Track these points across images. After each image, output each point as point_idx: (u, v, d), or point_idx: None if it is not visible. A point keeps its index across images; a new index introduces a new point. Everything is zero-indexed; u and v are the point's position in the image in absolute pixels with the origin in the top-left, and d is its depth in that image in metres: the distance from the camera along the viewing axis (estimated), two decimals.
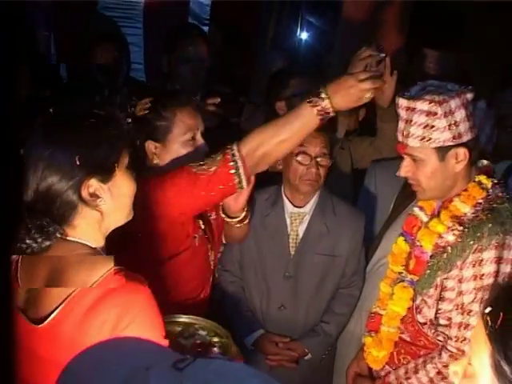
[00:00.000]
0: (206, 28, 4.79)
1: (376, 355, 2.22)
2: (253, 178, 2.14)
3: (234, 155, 2.04)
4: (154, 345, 1.15)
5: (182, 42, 3.24)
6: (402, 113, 1.98)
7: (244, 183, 2.07)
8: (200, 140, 2.31)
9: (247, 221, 2.39)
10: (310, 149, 2.56)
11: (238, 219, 2.34)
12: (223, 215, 2.34)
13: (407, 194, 2.51)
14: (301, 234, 2.68)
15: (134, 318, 1.44)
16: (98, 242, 1.60)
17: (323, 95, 2.01)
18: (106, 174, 1.56)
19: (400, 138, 2.01)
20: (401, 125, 1.99)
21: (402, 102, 1.97)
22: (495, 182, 2.04)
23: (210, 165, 2.05)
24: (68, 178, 1.51)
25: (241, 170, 2.04)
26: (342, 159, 3.17)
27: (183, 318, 1.85)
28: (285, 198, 2.69)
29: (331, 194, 2.74)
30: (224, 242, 2.58)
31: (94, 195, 1.54)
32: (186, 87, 3.16)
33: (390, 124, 2.76)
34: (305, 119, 2.04)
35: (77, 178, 1.51)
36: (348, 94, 2.01)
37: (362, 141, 3.21)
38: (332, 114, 2.04)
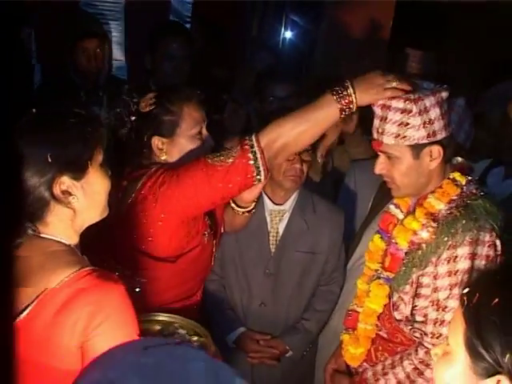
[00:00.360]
0: (188, 26, 4.80)
1: (353, 352, 2.24)
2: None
3: (252, 146, 2.00)
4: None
5: (165, 39, 3.24)
6: (378, 110, 1.99)
7: (262, 175, 2.02)
8: (206, 134, 2.29)
9: (254, 210, 2.38)
10: None
11: (247, 209, 2.33)
12: (232, 204, 2.31)
13: (385, 192, 2.52)
14: (281, 232, 2.69)
15: (107, 317, 1.46)
16: (72, 239, 1.61)
17: (350, 90, 1.98)
18: (78, 172, 1.57)
19: (375, 136, 2.02)
20: (376, 122, 2.01)
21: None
22: (469, 178, 2.06)
23: (228, 156, 2.01)
24: (40, 175, 1.52)
25: (259, 162, 2.00)
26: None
27: (162, 317, 1.86)
28: (264, 195, 2.69)
29: (311, 192, 2.75)
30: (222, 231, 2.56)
31: (66, 192, 1.56)
32: (169, 84, 3.16)
33: (357, 149, 2.94)
34: (327, 112, 2.00)
35: (49, 175, 1.53)
36: (373, 90, 1.97)
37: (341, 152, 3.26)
38: (353, 110, 2.01)
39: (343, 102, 1.98)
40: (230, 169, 1.99)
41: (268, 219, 2.69)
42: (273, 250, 2.69)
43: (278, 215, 2.69)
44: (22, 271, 1.49)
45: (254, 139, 2.00)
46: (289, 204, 2.69)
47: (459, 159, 2.12)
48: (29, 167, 1.51)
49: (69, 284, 1.46)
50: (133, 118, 2.21)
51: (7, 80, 1.40)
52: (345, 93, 1.98)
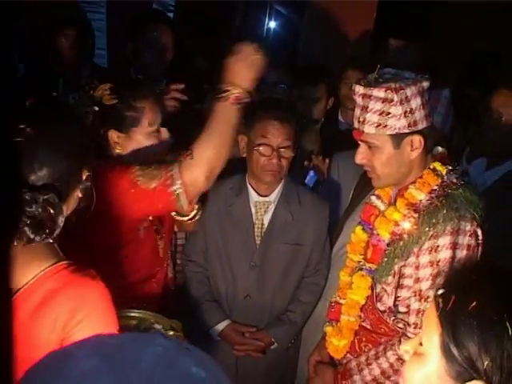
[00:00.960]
0: (170, 14, 4.75)
1: (337, 344, 2.23)
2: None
3: (174, 181, 1.97)
4: None
5: (146, 28, 3.20)
6: (359, 100, 1.98)
7: (186, 206, 2.02)
8: (165, 132, 2.27)
9: (198, 217, 2.35)
10: (272, 140, 2.54)
11: (188, 217, 2.32)
12: (173, 213, 2.30)
13: (366, 182, 2.51)
14: (266, 223, 2.68)
15: (89, 314, 1.42)
16: None
17: (227, 87, 1.99)
18: None
19: (356, 125, 2.02)
20: (357, 111, 2.00)
21: (359, 89, 1.97)
22: (450, 168, 2.05)
23: (152, 178, 1.98)
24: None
25: (182, 197, 1.99)
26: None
27: (136, 313, 1.84)
28: (249, 186, 2.68)
29: (296, 183, 2.75)
30: (176, 230, 2.55)
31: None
32: (150, 74, 3.13)
33: None
34: (228, 116, 2.00)
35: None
36: (249, 67, 2.00)
37: None
38: (247, 96, 2.01)
39: (231, 100, 1.99)
40: (152, 194, 1.98)
41: (253, 210, 2.68)
42: (258, 242, 2.68)
43: (263, 207, 2.68)
44: None
45: (177, 173, 1.97)
46: (274, 196, 2.68)
47: (440, 149, 2.11)
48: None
49: (45, 279, 1.41)
50: (96, 108, 2.18)
51: None
52: (225, 93, 1.99)
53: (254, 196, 2.68)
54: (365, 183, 2.43)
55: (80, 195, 1.55)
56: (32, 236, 1.38)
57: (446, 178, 2.02)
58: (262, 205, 2.68)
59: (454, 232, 1.93)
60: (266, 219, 2.68)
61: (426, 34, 4.90)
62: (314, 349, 2.46)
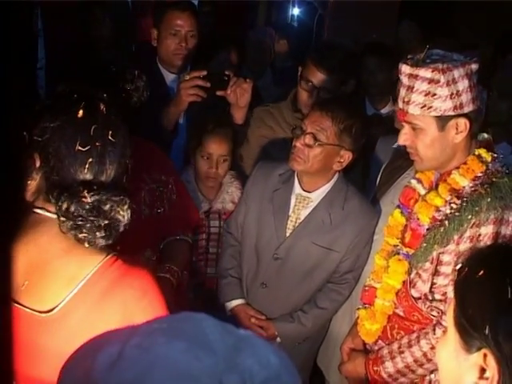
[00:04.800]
0: (195, 2, 4.71)
1: (369, 328, 2.20)
2: None
3: None
4: None
5: (171, 15, 3.16)
6: (405, 79, 1.93)
7: None
8: None
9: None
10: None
11: None
12: None
13: (396, 166, 2.49)
14: (302, 219, 2.61)
15: (150, 301, 1.45)
16: None
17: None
18: None
19: (400, 105, 1.97)
20: (402, 91, 1.95)
21: (405, 69, 1.92)
22: (495, 156, 2.00)
23: None
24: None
25: None
26: None
27: None
28: (296, 178, 2.62)
29: (348, 185, 2.62)
30: None
31: None
32: (175, 61, 3.10)
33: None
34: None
35: None
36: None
37: None
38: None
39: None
40: None
41: (292, 202, 2.61)
42: (287, 235, 2.61)
43: (303, 202, 2.61)
44: (34, 259, 1.42)
45: None
46: (317, 194, 2.59)
47: (485, 135, 2.05)
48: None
49: (104, 270, 1.42)
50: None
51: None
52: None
53: (297, 188, 2.61)
54: (396, 166, 2.41)
55: None
56: (101, 240, 1.40)
57: (490, 165, 1.97)
58: (303, 199, 2.60)
59: (497, 222, 1.89)
60: (303, 215, 2.60)
61: (451, 17, 4.86)
62: (346, 336, 2.42)
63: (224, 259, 2.78)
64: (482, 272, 1.19)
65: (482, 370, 1.17)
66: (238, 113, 2.91)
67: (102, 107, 1.46)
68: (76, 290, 1.40)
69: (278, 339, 2.68)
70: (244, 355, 0.74)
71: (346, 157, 2.50)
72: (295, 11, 5.59)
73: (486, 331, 1.14)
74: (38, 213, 1.44)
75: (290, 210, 2.62)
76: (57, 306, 1.39)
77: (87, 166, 1.41)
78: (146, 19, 4.41)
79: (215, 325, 0.77)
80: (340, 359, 2.43)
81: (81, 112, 1.42)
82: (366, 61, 3.75)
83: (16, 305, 1.41)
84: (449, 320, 1.26)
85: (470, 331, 1.18)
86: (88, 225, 1.36)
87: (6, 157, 1.47)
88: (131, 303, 1.42)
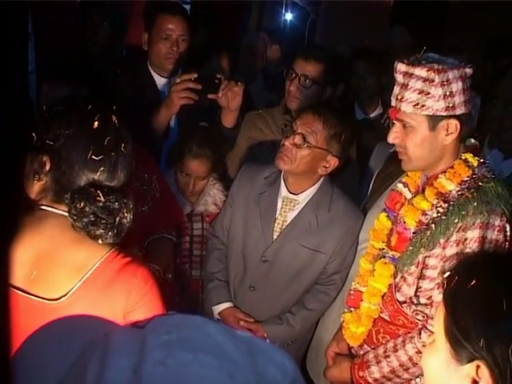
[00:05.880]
0: (187, 7, 4.71)
1: (354, 331, 2.19)
2: None
3: None
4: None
5: (162, 19, 3.16)
6: (399, 77, 1.94)
7: None
8: None
9: None
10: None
11: None
12: None
13: (390, 171, 2.49)
14: (288, 221, 2.61)
15: (150, 289, 1.55)
16: None
17: None
18: None
19: (393, 103, 1.98)
20: (396, 89, 1.96)
21: (401, 67, 1.94)
22: (481, 161, 2.01)
23: None
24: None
25: None
26: None
27: None
28: (282, 180, 2.62)
29: (333, 187, 2.63)
30: None
31: None
32: (166, 65, 3.10)
33: None
34: None
35: None
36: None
37: None
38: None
39: None
40: None
41: (279, 205, 2.61)
42: (274, 237, 2.61)
43: (290, 204, 2.61)
44: (43, 250, 1.49)
45: None
46: (303, 196, 2.59)
47: (472, 141, 2.07)
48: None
49: (110, 260, 1.51)
50: None
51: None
52: None
53: (283, 191, 2.61)
54: (388, 172, 2.41)
55: None
56: (111, 239, 1.50)
57: (477, 170, 1.98)
58: (289, 202, 2.60)
59: (484, 226, 1.90)
60: (290, 217, 2.60)
61: (444, 23, 4.88)
62: (331, 340, 2.42)
63: (210, 263, 2.77)
64: (473, 282, 1.17)
65: (474, 382, 1.16)
66: (229, 116, 2.91)
67: (114, 120, 1.54)
68: (84, 278, 1.48)
69: (267, 341, 2.67)
70: (262, 363, 0.73)
71: (332, 162, 2.51)
72: (287, 16, 5.60)
73: (481, 343, 1.13)
74: (45, 210, 1.52)
75: (277, 213, 2.62)
76: (66, 294, 1.47)
77: (99, 173, 1.49)
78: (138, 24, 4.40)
79: (218, 329, 0.77)
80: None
81: (96, 123, 1.50)
82: (356, 65, 3.78)
83: (24, 294, 1.47)
84: (438, 329, 1.24)
85: (463, 342, 1.16)
86: (103, 221, 1.46)
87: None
88: (135, 291, 1.51)
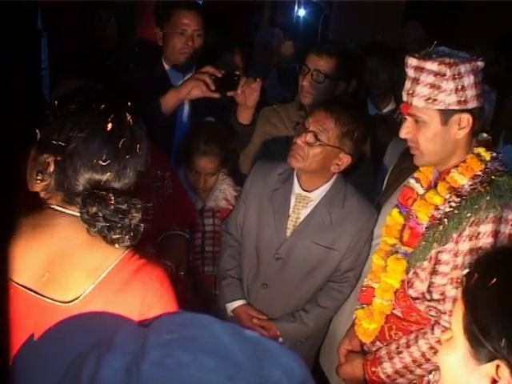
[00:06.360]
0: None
1: (366, 327, 2.18)
2: None
3: None
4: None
5: (177, 14, 3.16)
6: (410, 72, 1.93)
7: None
8: None
9: None
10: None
11: None
12: None
13: (402, 168, 2.47)
14: (302, 218, 2.59)
15: (166, 291, 1.52)
16: None
17: None
18: None
19: (405, 98, 1.96)
20: (407, 84, 1.95)
21: (412, 61, 1.92)
22: (494, 155, 1.99)
23: None
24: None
25: None
26: None
27: None
28: (295, 177, 2.61)
29: (346, 184, 2.61)
30: None
31: None
32: (181, 60, 3.10)
33: None
34: None
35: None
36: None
37: None
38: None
39: None
40: None
41: (292, 202, 2.60)
42: (288, 235, 2.60)
43: (303, 201, 2.59)
44: (55, 252, 1.46)
45: None
46: (316, 194, 2.58)
47: (485, 135, 2.04)
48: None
49: (126, 261, 1.48)
50: None
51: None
52: None
53: (296, 188, 2.60)
54: (402, 168, 2.40)
55: None
56: (128, 242, 1.45)
57: (489, 164, 1.96)
58: (302, 199, 2.59)
59: (497, 220, 1.88)
60: (303, 215, 2.59)
61: (457, 18, 4.84)
62: (343, 337, 2.40)
63: (223, 260, 2.77)
64: (494, 280, 1.15)
65: (494, 381, 1.14)
66: (245, 113, 2.90)
67: (128, 118, 1.47)
68: (98, 280, 1.44)
69: (281, 339, 2.67)
70: (268, 365, 0.72)
71: (345, 160, 2.48)
72: (300, 12, 5.58)
73: (502, 343, 1.12)
74: (56, 209, 1.47)
75: (290, 210, 2.60)
76: (79, 297, 1.43)
77: (107, 175, 1.43)
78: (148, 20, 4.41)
79: (225, 329, 0.75)
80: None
81: (109, 125, 1.43)
82: (368, 61, 3.75)
83: (36, 295, 1.43)
84: (456, 326, 1.23)
85: (483, 341, 1.15)
86: (119, 225, 1.41)
87: (6, 153, 1.48)
88: (151, 292, 1.48)
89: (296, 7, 5.56)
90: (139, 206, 1.45)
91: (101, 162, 1.41)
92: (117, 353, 0.71)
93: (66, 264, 1.44)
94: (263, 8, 5.53)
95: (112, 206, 1.40)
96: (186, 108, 3.11)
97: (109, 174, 1.43)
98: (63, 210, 1.46)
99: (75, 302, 1.43)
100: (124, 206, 1.42)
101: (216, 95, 2.76)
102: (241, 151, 3.12)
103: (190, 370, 0.68)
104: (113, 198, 1.41)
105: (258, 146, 3.09)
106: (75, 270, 1.44)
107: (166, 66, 3.16)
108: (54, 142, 1.42)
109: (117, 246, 1.44)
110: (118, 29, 4.08)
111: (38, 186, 1.47)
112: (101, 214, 1.40)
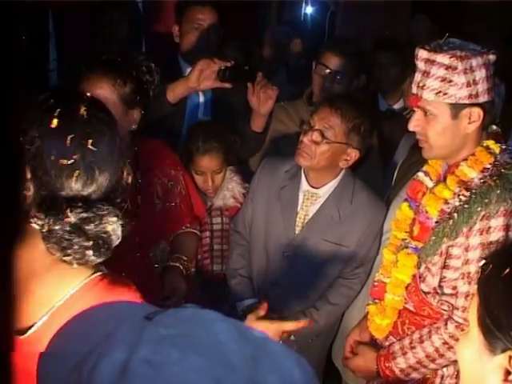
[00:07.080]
0: None
1: (379, 323, 2.17)
2: None
3: None
4: (129, 304, 1.09)
5: (192, 10, 3.17)
6: (421, 64, 1.91)
7: None
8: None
9: None
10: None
11: None
12: None
13: (412, 162, 2.46)
14: (310, 215, 2.58)
15: None
16: None
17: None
18: None
19: (415, 90, 1.94)
20: (417, 76, 1.93)
21: (422, 54, 1.90)
22: (503, 147, 1.97)
23: None
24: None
25: None
26: None
27: None
28: (303, 174, 2.60)
29: (355, 179, 2.60)
30: None
31: None
32: (198, 55, 3.10)
33: None
34: None
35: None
36: None
37: None
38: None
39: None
40: None
41: (300, 199, 2.59)
42: (297, 232, 2.59)
43: (311, 198, 2.58)
44: (25, 275, 1.27)
45: None
46: (324, 190, 2.57)
47: (494, 127, 2.02)
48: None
49: (82, 293, 1.28)
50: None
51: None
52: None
53: (304, 185, 2.58)
54: (412, 162, 2.38)
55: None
56: (93, 258, 1.25)
57: (499, 157, 1.94)
58: (310, 196, 2.58)
59: (508, 213, 1.87)
60: (312, 211, 2.57)
61: (462, 13, 4.82)
62: (354, 327, 2.40)
63: (233, 259, 2.76)
64: (507, 271, 1.15)
65: (507, 373, 1.13)
66: (258, 120, 2.87)
67: (82, 111, 1.28)
68: (50, 312, 1.27)
69: (292, 337, 2.66)
70: (265, 369, 0.69)
71: (353, 155, 2.47)
72: (308, 9, 5.58)
73: None
74: (31, 224, 1.27)
75: (299, 207, 2.59)
76: (30, 328, 1.26)
77: (74, 179, 1.25)
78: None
79: (228, 328, 0.72)
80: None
81: (55, 121, 1.25)
82: (378, 56, 3.74)
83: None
84: (472, 319, 1.22)
85: (496, 332, 1.14)
86: (75, 246, 1.22)
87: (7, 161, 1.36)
88: None
89: (303, 5, 5.56)
90: (115, 214, 1.25)
91: (63, 161, 1.24)
92: (116, 346, 0.70)
93: (24, 291, 1.26)
94: (270, 6, 5.54)
95: (67, 224, 1.21)
96: (201, 109, 3.12)
97: (76, 174, 1.25)
98: (35, 225, 1.26)
99: (27, 334, 1.26)
100: (90, 226, 1.22)
101: (228, 85, 2.73)
102: (249, 158, 3.12)
103: (174, 368, 0.65)
104: (69, 212, 1.21)
105: (267, 143, 3.09)
106: (31, 298, 1.27)
107: (182, 62, 3.16)
108: (24, 145, 1.25)
109: (75, 265, 1.24)
110: (128, 30, 4.08)
111: (25, 197, 1.28)
112: (54, 231, 1.21)
